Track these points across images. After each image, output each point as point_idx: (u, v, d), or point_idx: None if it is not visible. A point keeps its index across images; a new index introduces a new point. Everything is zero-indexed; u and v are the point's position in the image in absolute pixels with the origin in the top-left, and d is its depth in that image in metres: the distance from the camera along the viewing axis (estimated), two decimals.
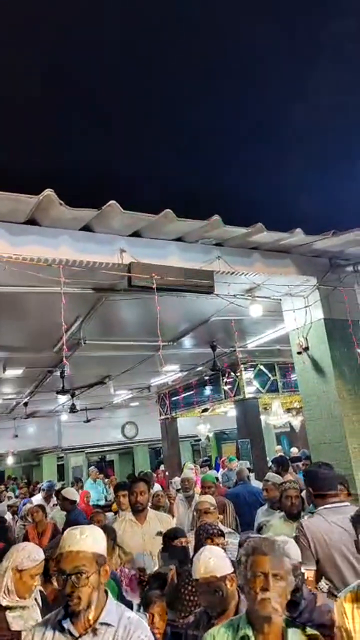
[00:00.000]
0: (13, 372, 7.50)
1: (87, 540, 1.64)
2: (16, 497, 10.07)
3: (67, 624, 1.61)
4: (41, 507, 5.51)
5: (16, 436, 13.32)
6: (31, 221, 3.31)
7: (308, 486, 2.95)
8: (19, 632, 2.25)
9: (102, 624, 1.59)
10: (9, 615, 2.30)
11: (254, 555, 1.75)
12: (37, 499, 8.60)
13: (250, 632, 1.67)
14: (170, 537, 3.11)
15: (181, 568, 2.81)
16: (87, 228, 3.51)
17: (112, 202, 3.16)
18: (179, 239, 3.91)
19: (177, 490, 6.52)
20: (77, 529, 1.69)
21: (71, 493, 5.87)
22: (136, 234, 3.73)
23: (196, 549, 2.79)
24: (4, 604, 2.31)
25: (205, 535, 2.87)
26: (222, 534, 2.99)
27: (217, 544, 2.82)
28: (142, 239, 3.76)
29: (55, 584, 2.87)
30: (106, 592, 1.68)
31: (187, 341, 7.14)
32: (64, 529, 5.53)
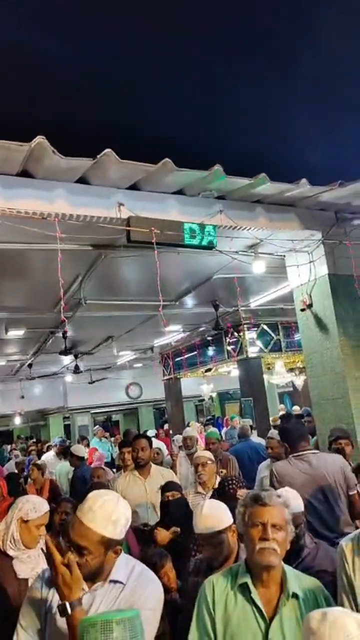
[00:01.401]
0: (15, 333, 7.50)
1: (101, 517, 1.51)
2: (24, 455, 10.34)
3: None
4: (36, 466, 5.72)
5: (22, 397, 13.53)
6: (25, 173, 3.18)
7: (284, 442, 3.15)
8: (26, 580, 2.31)
9: (111, 581, 1.56)
10: (16, 563, 2.36)
11: (253, 506, 1.74)
12: (49, 455, 8.89)
13: (249, 580, 1.69)
14: (165, 490, 3.32)
15: (181, 520, 2.88)
16: (83, 180, 3.37)
17: (107, 150, 3.01)
18: (179, 192, 3.77)
19: (179, 448, 6.64)
20: (101, 498, 1.56)
21: (80, 450, 6.01)
22: (134, 187, 3.58)
23: (220, 498, 2.84)
24: (11, 553, 2.36)
25: (239, 485, 2.99)
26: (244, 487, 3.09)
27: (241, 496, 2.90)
28: (140, 192, 3.63)
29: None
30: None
31: (189, 300, 7.07)
32: (72, 484, 5.77)
